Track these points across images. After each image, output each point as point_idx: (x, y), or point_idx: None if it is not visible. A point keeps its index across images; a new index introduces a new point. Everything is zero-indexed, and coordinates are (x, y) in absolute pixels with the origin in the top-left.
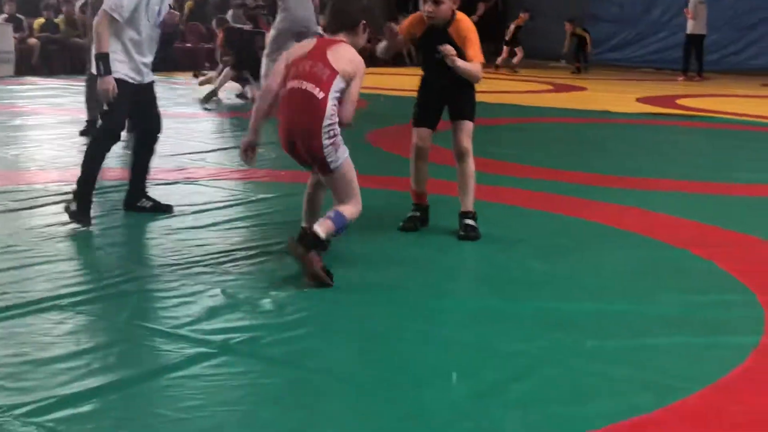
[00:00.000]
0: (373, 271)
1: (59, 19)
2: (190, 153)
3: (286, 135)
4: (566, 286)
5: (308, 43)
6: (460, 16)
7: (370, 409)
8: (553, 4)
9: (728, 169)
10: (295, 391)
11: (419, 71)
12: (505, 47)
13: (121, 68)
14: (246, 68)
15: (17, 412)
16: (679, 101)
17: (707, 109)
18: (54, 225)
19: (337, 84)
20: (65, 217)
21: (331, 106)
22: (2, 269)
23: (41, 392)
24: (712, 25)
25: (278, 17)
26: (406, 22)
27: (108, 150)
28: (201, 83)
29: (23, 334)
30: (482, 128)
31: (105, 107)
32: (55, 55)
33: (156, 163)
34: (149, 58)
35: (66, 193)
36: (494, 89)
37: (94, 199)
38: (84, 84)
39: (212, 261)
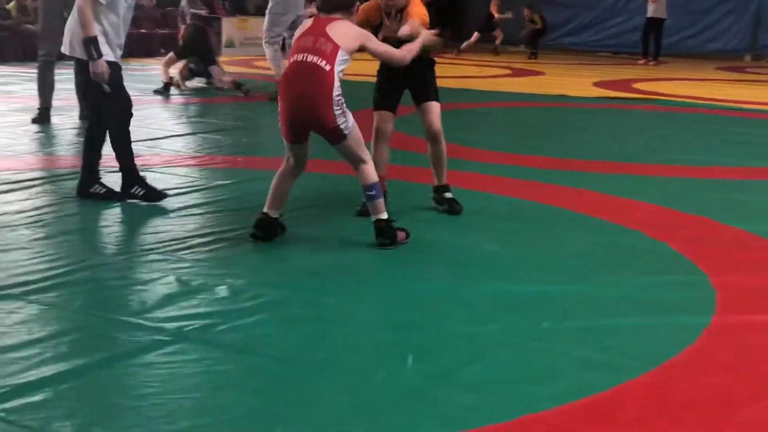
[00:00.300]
0: (328, 255)
1: (11, 5)
2: (144, 140)
3: (293, 111)
4: (521, 268)
5: (307, 22)
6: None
7: (324, 394)
8: None
9: (682, 151)
10: (250, 377)
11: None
12: (476, 33)
13: (106, 50)
14: (193, 54)
15: None
16: (635, 85)
17: (662, 92)
18: (6, 214)
19: (341, 56)
20: (16, 206)
21: (337, 77)
22: None
23: None
24: (668, 9)
25: (271, 2)
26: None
27: (129, 125)
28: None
29: None
30: (441, 113)
31: (107, 90)
32: (6, 41)
33: (109, 150)
34: (122, 40)
35: (19, 182)
36: (453, 74)
37: (47, 187)
38: (36, 71)
39: (167, 248)
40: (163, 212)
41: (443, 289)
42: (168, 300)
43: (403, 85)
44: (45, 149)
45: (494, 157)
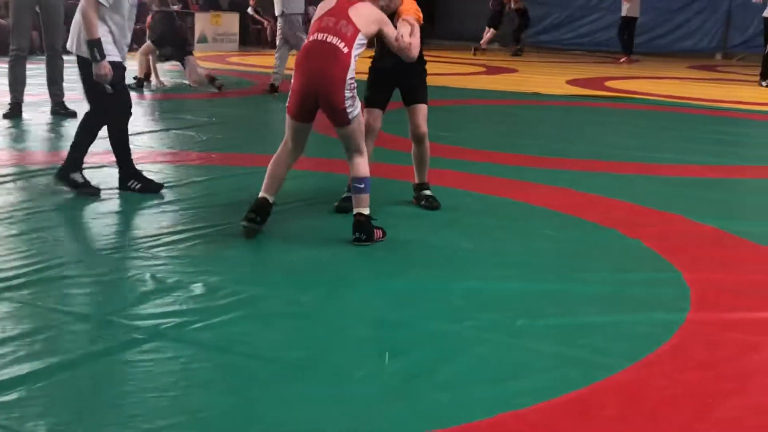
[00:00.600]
0: (305, 252)
1: None
2: None
3: (307, 86)
4: (496, 266)
5: (329, 2)
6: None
7: (300, 392)
8: None
9: (654, 149)
10: (226, 375)
11: (365, 54)
12: (492, 29)
13: (111, 50)
14: (168, 45)
15: None
16: (608, 83)
17: (635, 90)
18: None
19: (359, 40)
20: None
21: (353, 60)
22: None
23: None
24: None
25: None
26: None
27: (127, 122)
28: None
29: None
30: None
31: (109, 90)
32: None
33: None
34: (128, 39)
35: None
36: (428, 72)
37: (19, 183)
38: (7, 66)
39: (141, 245)
40: (138, 209)
41: (419, 287)
42: (143, 298)
43: (394, 83)
44: (17, 145)
45: (469, 155)
